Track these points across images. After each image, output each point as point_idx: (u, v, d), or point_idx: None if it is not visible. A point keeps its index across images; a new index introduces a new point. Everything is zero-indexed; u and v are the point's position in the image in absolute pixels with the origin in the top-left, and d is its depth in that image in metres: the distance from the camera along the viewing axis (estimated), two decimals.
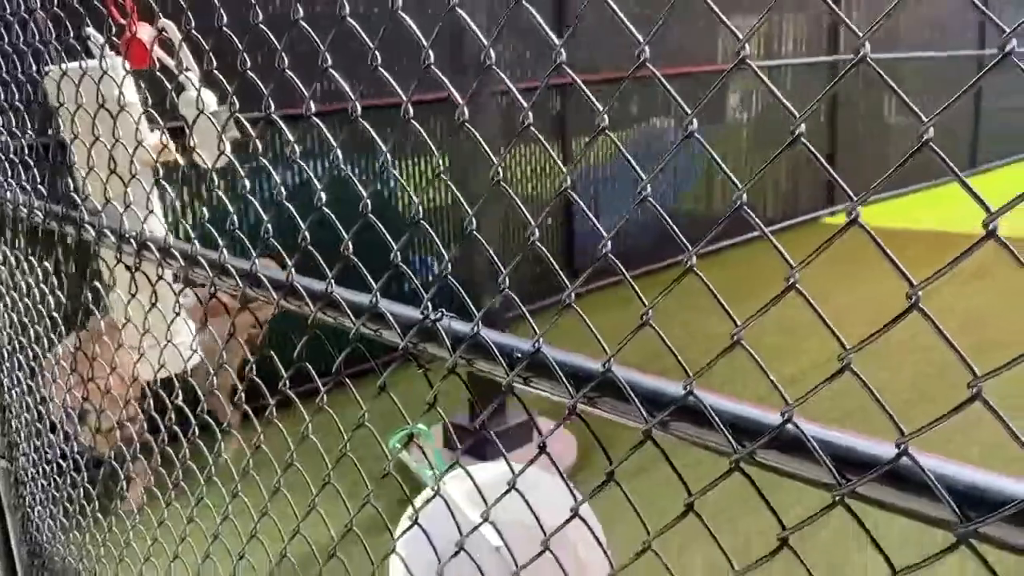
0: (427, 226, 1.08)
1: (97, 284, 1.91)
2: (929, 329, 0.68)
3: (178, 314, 1.60)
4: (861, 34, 0.66)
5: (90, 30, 1.70)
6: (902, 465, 0.71)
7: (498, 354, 1.02)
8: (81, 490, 2.23)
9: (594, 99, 0.85)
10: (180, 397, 1.69)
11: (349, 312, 1.21)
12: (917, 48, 9.57)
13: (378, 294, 1.17)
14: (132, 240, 1.65)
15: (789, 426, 0.78)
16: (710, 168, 7.78)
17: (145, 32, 1.75)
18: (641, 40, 0.78)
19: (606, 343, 0.93)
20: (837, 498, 0.75)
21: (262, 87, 1.23)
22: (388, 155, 1.11)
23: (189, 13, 1.31)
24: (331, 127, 1.22)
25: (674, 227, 0.84)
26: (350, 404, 1.31)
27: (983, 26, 11.13)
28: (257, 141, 1.28)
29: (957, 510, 0.68)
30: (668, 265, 6.54)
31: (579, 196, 5.41)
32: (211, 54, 1.29)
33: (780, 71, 8.27)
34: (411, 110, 1.05)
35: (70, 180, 1.90)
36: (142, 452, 1.90)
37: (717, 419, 0.82)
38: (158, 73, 1.43)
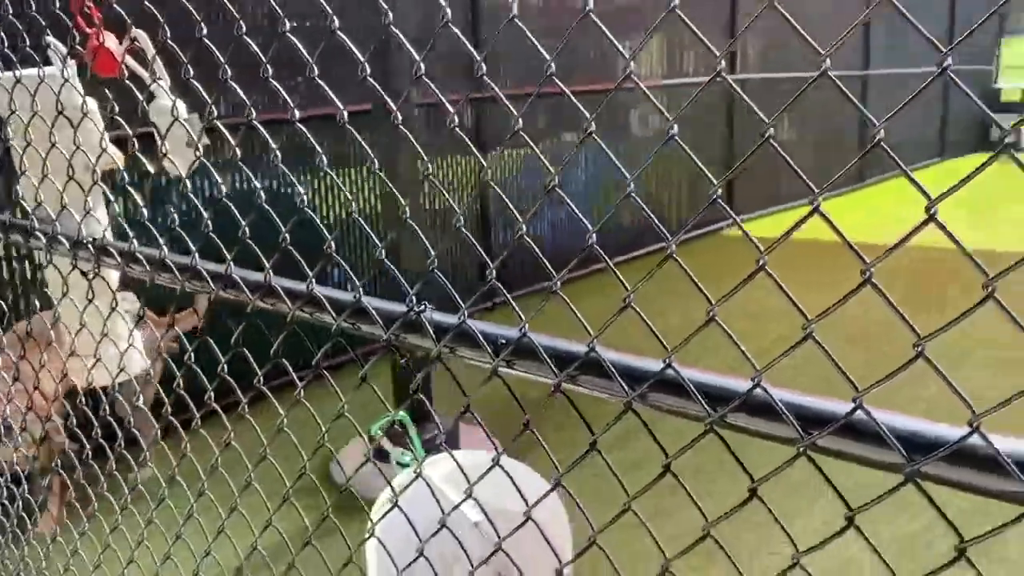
0: (414, 226, 1.17)
1: (47, 291, 1.91)
2: (880, 305, 0.81)
3: (142, 317, 1.63)
4: (823, 52, 0.78)
5: (51, 39, 1.72)
6: (857, 418, 0.84)
7: (483, 341, 1.11)
8: (20, 502, 2.20)
9: (582, 107, 0.95)
10: (141, 399, 1.71)
11: (330, 309, 1.28)
12: (804, 69, 10.05)
13: (361, 290, 1.24)
14: (89, 246, 1.67)
15: (758, 390, 0.89)
16: (617, 181, 8.06)
17: (111, 41, 1.77)
18: (627, 55, 0.89)
19: (568, 330, 1.03)
20: (801, 449, 0.87)
21: (243, 96, 1.29)
22: (375, 161, 1.19)
23: (165, 25, 1.36)
24: (313, 133, 1.29)
25: (654, 218, 0.95)
26: (327, 396, 1.37)
27: (867, 49, 11.81)
28: (237, 148, 1.34)
29: (904, 453, 0.81)
30: (596, 270, 6.70)
31: (494, 205, 5.51)
32: (189, 65, 1.35)
33: (682, 89, 8.61)
34: (399, 116, 1.13)
35: (18, 188, 1.89)
36: (95, 459, 1.91)
37: (693, 388, 0.93)
38: (127, 81, 1.47)
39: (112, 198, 1.64)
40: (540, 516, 1.19)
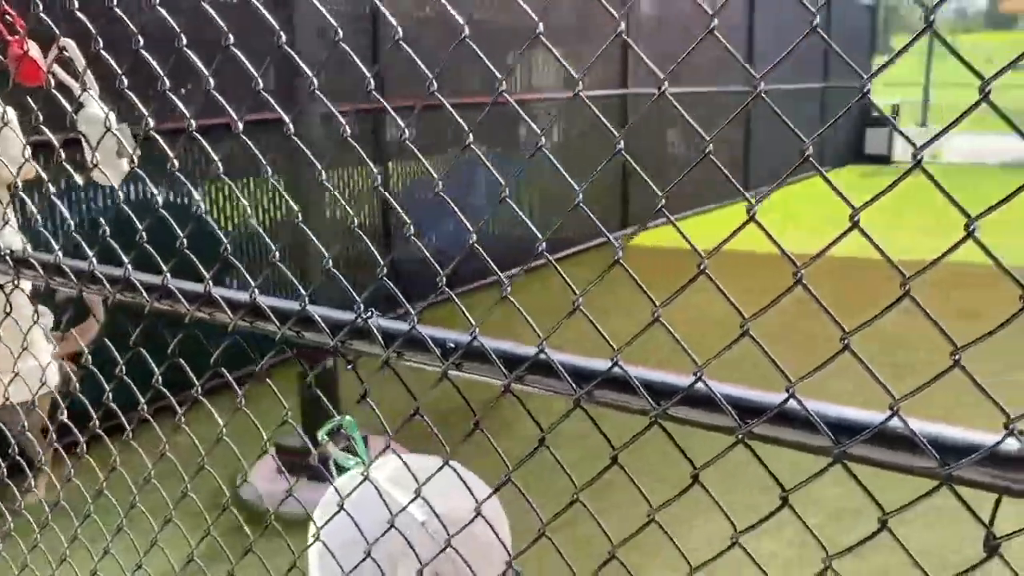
0: (362, 235, 1.20)
1: None
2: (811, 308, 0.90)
3: (64, 327, 1.60)
4: (757, 76, 0.86)
5: None
6: (790, 408, 0.92)
7: (432, 346, 1.16)
8: None
9: (529, 120, 1.01)
10: (65, 414, 1.68)
11: (274, 318, 1.30)
12: (697, 84, 10.42)
13: (307, 299, 1.27)
14: (7, 257, 1.63)
15: (699, 384, 0.97)
16: (519, 192, 8.19)
17: (34, 49, 1.73)
18: (576, 75, 0.96)
19: (505, 329, 1.10)
20: (740, 436, 0.95)
21: (181, 106, 1.30)
22: (322, 172, 1.22)
23: (97, 35, 1.36)
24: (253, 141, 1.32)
25: (600, 225, 1.02)
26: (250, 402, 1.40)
27: (750, 64, 12.31)
28: (176, 160, 1.35)
29: (832, 437, 0.90)
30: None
31: (395, 214, 5.52)
32: (123, 75, 1.35)
33: (579, 102, 8.80)
34: (347, 129, 1.17)
35: None
36: (10, 477, 1.85)
37: (638, 384, 1.01)
38: (54, 91, 1.45)
39: (35, 209, 1.61)
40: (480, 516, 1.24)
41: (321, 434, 1.38)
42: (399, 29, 1.08)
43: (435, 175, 1.10)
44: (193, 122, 1.31)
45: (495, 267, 1.11)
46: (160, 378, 1.48)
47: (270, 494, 3.67)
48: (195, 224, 1.36)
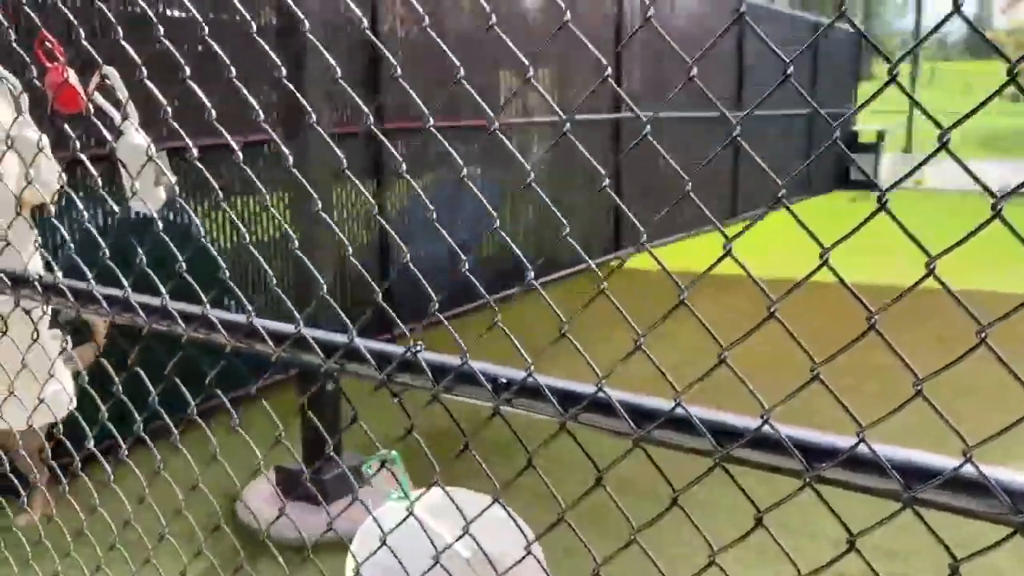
0: (414, 269, 1.20)
1: None
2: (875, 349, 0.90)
3: (98, 355, 1.59)
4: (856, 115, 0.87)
5: (3, 72, 1.65)
6: (859, 452, 0.93)
7: (484, 381, 1.16)
8: None
9: (586, 152, 1.02)
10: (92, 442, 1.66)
11: (319, 350, 1.29)
12: (682, 109, 10.48)
13: (354, 332, 1.26)
14: (36, 283, 1.62)
15: (766, 427, 0.97)
16: (513, 208, 8.24)
17: (73, 77, 1.72)
18: (643, 117, 0.96)
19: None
20: (807, 480, 0.95)
21: (228, 137, 1.30)
22: (372, 203, 1.22)
23: (143, 66, 1.36)
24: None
25: (656, 256, 1.02)
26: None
27: (740, 89, 12.42)
28: (221, 191, 1.34)
29: (902, 482, 0.90)
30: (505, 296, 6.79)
31: (392, 229, 5.51)
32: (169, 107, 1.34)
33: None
34: (404, 165, 1.17)
35: None
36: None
37: (702, 425, 1.01)
38: (93, 117, 1.45)
39: (68, 236, 1.60)
40: (514, 555, 1.23)
41: (365, 466, 1.38)
42: (461, 68, 1.08)
43: (492, 210, 1.10)
44: (240, 153, 1.31)
45: (549, 299, 1.11)
46: (195, 408, 1.47)
47: (268, 517, 3.63)
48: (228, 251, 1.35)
